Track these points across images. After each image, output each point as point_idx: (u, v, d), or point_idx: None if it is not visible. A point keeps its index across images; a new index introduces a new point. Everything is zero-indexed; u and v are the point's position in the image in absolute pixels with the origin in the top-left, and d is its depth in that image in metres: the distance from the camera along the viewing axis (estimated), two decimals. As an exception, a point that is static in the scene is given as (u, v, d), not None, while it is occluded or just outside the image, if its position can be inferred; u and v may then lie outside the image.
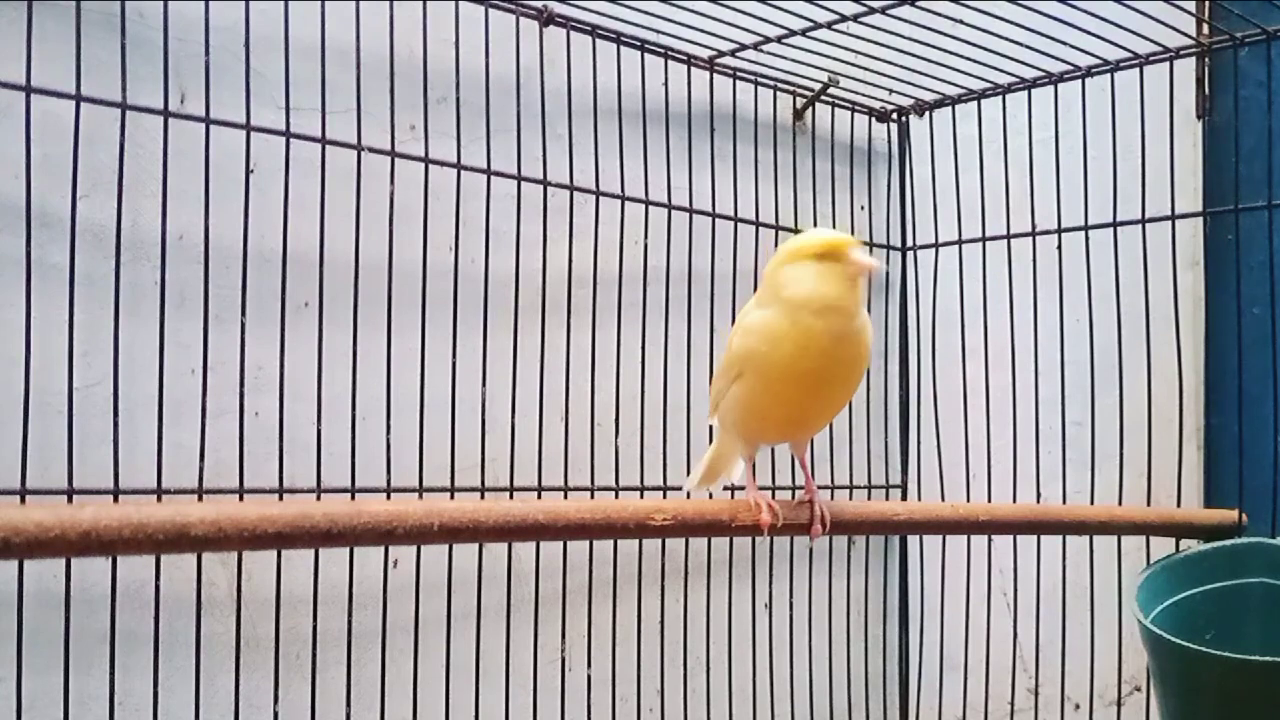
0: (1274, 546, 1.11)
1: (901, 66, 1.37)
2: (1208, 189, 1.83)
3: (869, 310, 1.53)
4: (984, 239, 1.47)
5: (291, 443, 1.00)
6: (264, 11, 1.02)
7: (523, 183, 1.16)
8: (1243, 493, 1.24)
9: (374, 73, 1.06)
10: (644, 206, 1.26)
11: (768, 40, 1.29)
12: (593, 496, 1.18)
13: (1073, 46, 1.28)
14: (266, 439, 1.01)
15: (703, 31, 1.26)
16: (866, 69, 1.38)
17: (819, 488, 1.40)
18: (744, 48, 1.31)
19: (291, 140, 1.01)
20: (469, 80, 1.14)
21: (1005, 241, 1.43)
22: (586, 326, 1.22)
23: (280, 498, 0.99)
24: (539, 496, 1.15)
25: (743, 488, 0.91)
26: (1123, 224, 1.34)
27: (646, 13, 1.22)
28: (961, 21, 1.26)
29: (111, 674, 0.92)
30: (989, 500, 1.41)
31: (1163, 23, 1.24)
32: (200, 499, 0.95)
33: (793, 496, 1.35)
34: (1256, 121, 1.70)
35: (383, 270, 1.06)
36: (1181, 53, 1.28)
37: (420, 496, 1.07)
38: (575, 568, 1.21)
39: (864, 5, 1.23)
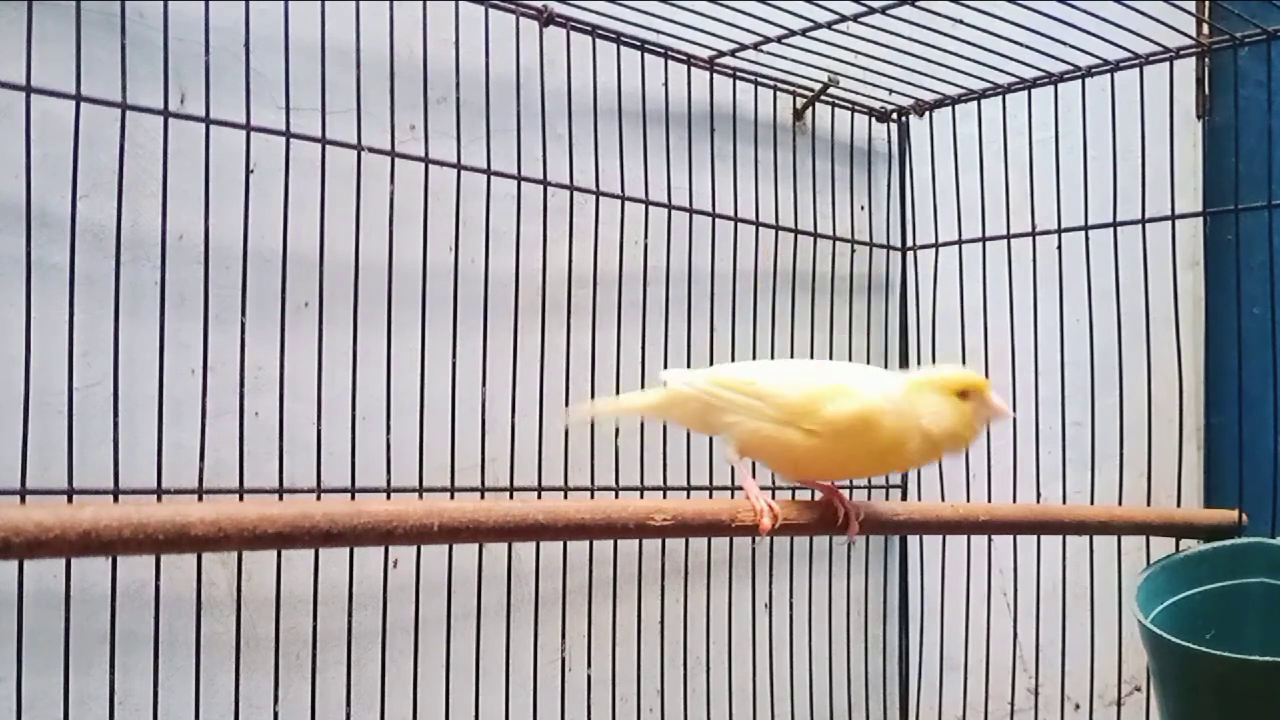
0: (1274, 546, 1.11)
1: (901, 66, 1.37)
2: (1208, 189, 1.83)
3: (868, 310, 1.54)
4: (984, 239, 1.47)
5: (291, 443, 1.00)
6: (264, 11, 1.02)
7: (523, 183, 1.16)
8: (1243, 493, 1.24)
9: (374, 73, 1.06)
10: (644, 206, 1.26)
11: (768, 40, 1.29)
12: (593, 496, 1.18)
13: (1073, 46, 1.28)
14: (266, 439, 1.01)
15: (703, 31, 1.26)
16: (866, 69, 1.38)
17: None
18: (744, 48, 1.31)
19: (291, 140, 1.01)
20: (469, 80, 1.14)
21: (1005, 241, 1.43)
22: (586, 326, 1.22)
23: (280, 498, 0.99)
24: (539, 496, 1.15)
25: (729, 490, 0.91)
26: (1123, 224, 1.34)
27: (646, 13, 1.22)
28: (961, 21, 1.26)
29: (111, 674, 0.92)
30: (989, 500, 1.41)
31: (1163, 23, 1.24)
32: (200, 499, 0.95)
33: (793, 496, 1.35)
34: (1256, 121, 1.70)
35: (383, 270, 1.06)
36: (1181, 53, 1.28)
37: (420, 496, 1.07)
38: (575, 568, 1.21)
39: (864, 5, 1.23)
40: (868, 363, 1.51)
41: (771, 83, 1.40)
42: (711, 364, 1.30)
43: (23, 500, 0.87)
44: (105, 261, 0.94)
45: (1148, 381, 1.34)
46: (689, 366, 1.28)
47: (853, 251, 1.51)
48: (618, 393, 1.22)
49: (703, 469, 1.30)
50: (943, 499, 1.47)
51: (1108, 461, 1.36)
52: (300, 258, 1.02)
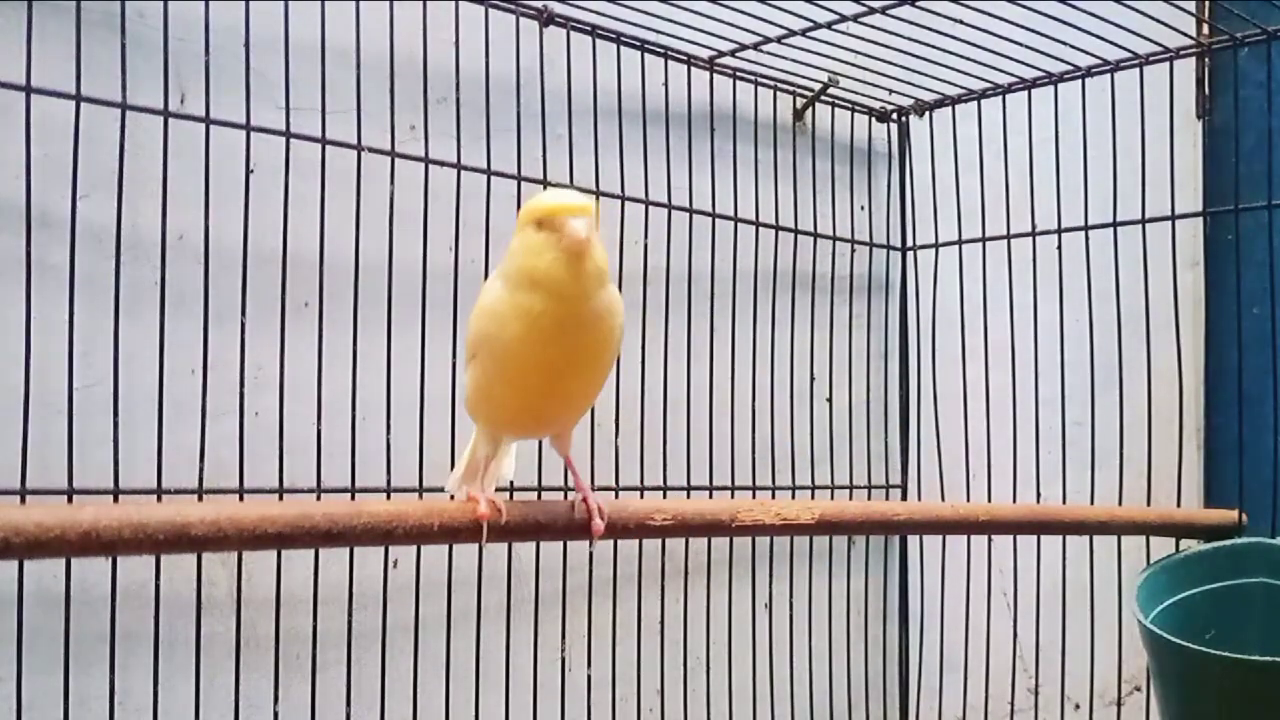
0: (1274, 546, 1.11)
1: (901, 66, 1.37)
2: (1208, 189, 1.83)
3: (868, 310, 1.54)
4: (984, 239, 1.47)
5: (291, 443, 1.00)
6: (264, 11, 1.02)
7: (523, 183, 1.16)
8: (1243, 493, 1.24)
9: (374, 73, 1.06)
10: (644, 206, 1.26)
11: (768, 40, 1.29)
12: (593, 496, 1.18)
13: (1073, 46, 1.28)
14: (266, 439, 1.01)
15: (703, 31, 1.26)
16: (866, 69, 1.38)
17: (818, 488, 1.40)
18: (744, 48, 1.31)
19: (291, 140, 1.01)
20: (469, 80, 1.14)
21: (1005, 241, 1.43)
22: (586, 326, 1.22)
23: (280, 498, 0.99)
24: (538, 496, 1.15)
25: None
26: (1123, 224, 1.34)
27: (646, 13, 1.22)
28: (961, 21, 1.26)
29: (111, 674, 0.92)
30: (989, 500, 1.41)
31: (1163, 23, 1.24)
32: (200, 499, 0.95)
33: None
34: (1256, 121, 1.70)
35: (383, 270, 1.06)
36: (1181, 53, 1.28)
37: (420, 496, 1.07)
38: (575, 568, 1.21)
39: (864, 5, 1.23)
40: (867, 364, 1.51)
41: (771, 83, 1.40)
42: (712, 365, 1.30)
43: (23, 500, 0.87)
44: (105, 261, 0.94)
45: (1148, 381, 1.34)
46: (689, 365, 1.29)
47: (853, 251, 1.51)
48: (617, 394, 1.22)
49: (703, 469, 1.30)
50: (943, 499, 1.47)
51: (1108, 461, 1.36)
52: (300, 258, 1.02)
